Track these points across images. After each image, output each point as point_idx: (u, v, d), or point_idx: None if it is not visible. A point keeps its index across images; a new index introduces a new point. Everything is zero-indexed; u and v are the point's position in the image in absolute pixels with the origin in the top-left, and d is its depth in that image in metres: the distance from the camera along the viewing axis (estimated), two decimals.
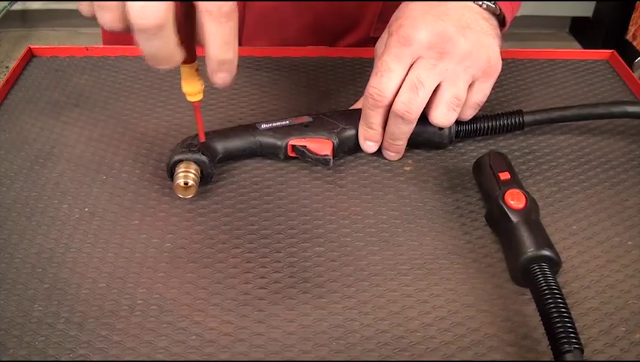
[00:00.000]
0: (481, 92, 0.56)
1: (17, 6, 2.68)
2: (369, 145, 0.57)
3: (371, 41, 0.73)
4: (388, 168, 0.57)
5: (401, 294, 0.45)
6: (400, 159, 0.58)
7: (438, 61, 0.52)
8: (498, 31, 0.57)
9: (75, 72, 0.70)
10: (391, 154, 0.57)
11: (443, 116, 0.54)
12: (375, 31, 0.80)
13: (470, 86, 0.55)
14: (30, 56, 0.72)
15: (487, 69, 0.54)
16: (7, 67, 2.50)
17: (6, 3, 2.62)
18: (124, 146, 0.59)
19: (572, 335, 0.39)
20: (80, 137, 0.60)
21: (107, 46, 0.73)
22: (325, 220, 0.52)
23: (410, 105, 0.52)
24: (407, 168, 0.57)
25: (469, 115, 0.57)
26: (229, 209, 0.52)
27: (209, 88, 0.66)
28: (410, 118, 0.53)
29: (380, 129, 0.56)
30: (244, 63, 0.71)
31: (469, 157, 0.58)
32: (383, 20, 0.77)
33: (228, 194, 0.54)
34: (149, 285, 0.46)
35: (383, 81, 0.53)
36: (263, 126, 0.56)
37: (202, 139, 0.53)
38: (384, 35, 0.57)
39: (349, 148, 0.58)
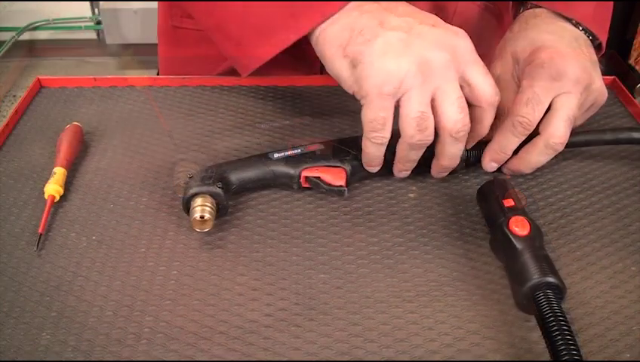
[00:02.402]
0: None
1: (25, 36, 2.72)
2: (493, 166, 0.59)
3: None
4: (392, 195, 0.58)
5: (407, 321, 0.46)
6: (404, 186, 0.58)
7: (582, 96, 0.56)
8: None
9: (84, 102, 0.71)
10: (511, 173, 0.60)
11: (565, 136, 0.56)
12: None
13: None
14: (39, 86, 0.73)
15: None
16: (14, 96, 2.53)
17: (13, 33, 2.65)
18: (131, 175, 0.60)
19: None
20: (88, 166, 0.61)
21: (115, 76, 0.74)
22: (330, 247, 0.52)
23: (565, 138, 0.55)
24: (412, 195, 0.58)
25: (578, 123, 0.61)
26: (235, 236, 0.53)
27: (215, 118, 0.68)
28: (560, 149, 0.56)
29: (514, 147, 0.57)
30: (249, 93, 0.72)
31: (473, 183, 0.59)
32: None
33: (234, 222, 0.54)
34: (155, 313, 0.46)
35: (534, 113, 0.55)
36: (276, 155, 0.57)
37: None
38: (525, 48, 0.59)
39: (362, 176, 0.58)
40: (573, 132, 0.62)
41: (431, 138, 0.52)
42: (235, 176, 0.55)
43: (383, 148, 0.54)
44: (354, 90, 0.52)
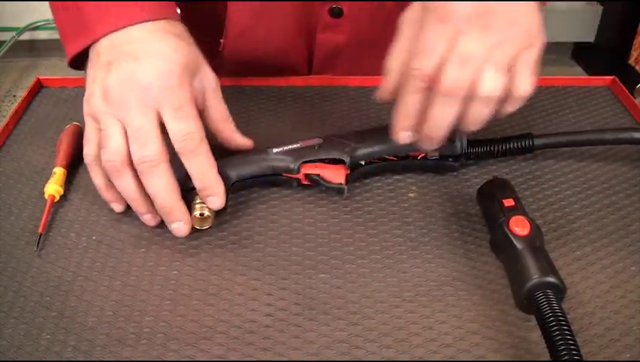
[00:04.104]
0: (530, 58, 0.50)
1: (25, 36, 2.72)
2: (405, 136, 0.53)
3: None
4: (392, 195, 0.58)
5: (407, 321, 0.46)
6: (404, 186, 0.58)
7: (480, 34, 0.49)
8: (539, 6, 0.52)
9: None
10: (430, 146, 0.54)
11: (492, 79, 0.49)
12: None
13: (517, 55, 0.50)
14: (39, 86, 0.73)
15: (528, 39, 0.50)
16: (14, 96, 2.53)
17: (13, 33, 2.65)
18: None
19: None
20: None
21: None
22: (330, 247, 0.52)
23: (463, 82, 0.49)
24: (412, 195, 0.58)
25: (523, 83, 0.50)
26: (235, 236, 0.53)
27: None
28: (460, 95, 0.49)
29: (417, 110, 0.51)
30: (249, 93, 0.72)
31: (473, 183, 0.59)
32: None
33: (234, 222, 0.54)
34: (155, 313, 0.46)
35: (426, 62, 0.49)
36: (275, 150, 0.57)
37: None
38: (415, 6, 0.52)
39: (361, 173, 0.58)
40: (574, 131, 0.62)
41: (114, 157, 0.50)
42: (235, 172, 0.55)
43: (119, 179, 0.51)
44: None
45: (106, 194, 0.54)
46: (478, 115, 0.51)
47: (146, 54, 0.51)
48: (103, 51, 0.53)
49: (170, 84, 0.51)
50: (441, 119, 0.51)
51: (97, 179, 0.53)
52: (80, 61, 0.56)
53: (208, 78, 0.56)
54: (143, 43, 0.52)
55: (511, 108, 0.52)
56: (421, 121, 0.52)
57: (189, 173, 0.51)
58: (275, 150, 0.57)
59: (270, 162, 0.56)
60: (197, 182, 0.51)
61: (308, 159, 0.56)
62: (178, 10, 0.58)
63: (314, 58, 0.78)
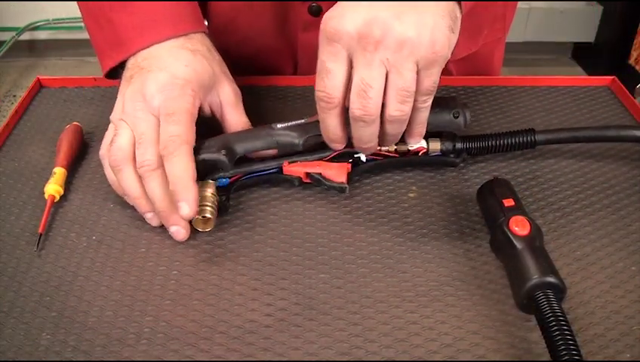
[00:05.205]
0: (430, 78, 0.49)
1: (25, 36, 2.72)
2: (335, 145, 0.55)
3: None
4: (392, 195, 0.58)
5: (407, 321, 0.46)
6: (404, 186, 0.58)
7: (373, 53, 0.47)
8: (454, 7, 0.49)
9: (84, 102, 0.71)
10: (368, 153, 0.56)
11: (397, 111, 0.50)
12: None
13: (417, 73, 0.49)
14: (39, 86, 0.73)
15: (430, 55, 0.47)
16: (14, 96, 2.53)
17: (13, 33, 2.65)
18: None
19: None
20: (88, 166, 0.61)
21: None
22: (330, 247, 0.52)
23: (367, 109, 0.49)
24: (412, 195, 0.58)
25: (423, 101, 0.51)
26: (235, 236, 0.53)
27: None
28: (370, 120, 0.50)
29: (339, 130, 0.53)
30: (249, 93, 0.72)
31: (473, 183, 0.59)
32: None
33: (234, 222, 0.54)
34: (155, 313, 0.46)
35: (327, 84, 0.49)
36: (279, 125, 0.57)
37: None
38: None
39: (365, 168, 0.58)
40: (577, 128, 0.62)
41: (118, 152, 0.52)
42: (240, 147, 0.55)
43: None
44: None
45: (119, 189, 0.55)
46: (395, 131, 0.52)
47: (156, 68, 0.55)
48: (129, 67, 0.57)
49: (171, 95, 0.53)
50: (365, 137, 0.52)
51: (110, 175, 0.55)
52: (113, 74, 0.61)
53: (225, 92, 0.59)
54: (158, 59, 0.56)
55: (422, 114, 0.53)
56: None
57: (167, 176, 0.51)
58: (279, 125, 0.57)
59: (275, 137, 0.56)
60: (170, 185, 0.50)
61: (313, 133, 0.55)
62: (206, 22, 0.60)
63: (298, 58, 0.78)
